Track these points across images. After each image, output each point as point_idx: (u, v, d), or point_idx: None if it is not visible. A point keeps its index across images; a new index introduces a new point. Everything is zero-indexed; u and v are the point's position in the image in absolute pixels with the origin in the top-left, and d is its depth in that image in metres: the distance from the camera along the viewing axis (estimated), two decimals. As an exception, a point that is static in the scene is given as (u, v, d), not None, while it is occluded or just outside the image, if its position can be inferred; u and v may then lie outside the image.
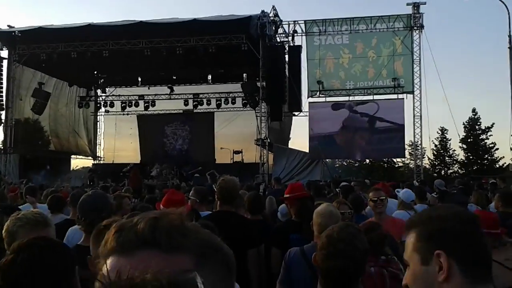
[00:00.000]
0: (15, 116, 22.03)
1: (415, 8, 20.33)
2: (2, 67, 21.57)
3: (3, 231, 2.18)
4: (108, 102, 27.59)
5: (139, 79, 26.39)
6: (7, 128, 21.78)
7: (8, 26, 21.95)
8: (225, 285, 0.73)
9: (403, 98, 20.51)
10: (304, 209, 4.11)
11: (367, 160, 27.25)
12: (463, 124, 30.33)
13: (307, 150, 20.92)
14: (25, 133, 22.76)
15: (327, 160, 21.28)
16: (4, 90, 21.45)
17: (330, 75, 20.85)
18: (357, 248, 2.13)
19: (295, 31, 20.99)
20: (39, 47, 20.41)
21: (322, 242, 2.21)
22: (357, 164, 32.17)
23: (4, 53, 21.94)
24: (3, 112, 21.62)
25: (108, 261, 0.70)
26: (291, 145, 23.80)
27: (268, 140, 20.54)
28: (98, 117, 28.95)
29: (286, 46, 20.80)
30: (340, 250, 2.10)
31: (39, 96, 22.73)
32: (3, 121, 21.76)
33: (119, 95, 27.54)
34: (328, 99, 21.07)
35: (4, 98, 21.43)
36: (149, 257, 0.68)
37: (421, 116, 20.44)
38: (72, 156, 27.43)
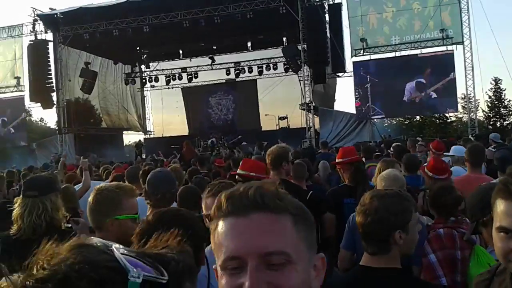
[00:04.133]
0: (66, 97, 22.76)
1: (459, -47, 19.00)
2: (49, 49, 22.22)
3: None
4: (153, 77, 28.02)
5: (181, 52, 26.54)
6: (60, 109, 22.61)
7: (50, 8, 22.43)
8: (312, 237, 0.90)
9: (452, 50, 19.49)
10: (357, 174, 4.05)
11: (418, 117, 26.34)
12: (519, 71, 28.53)
13: (353, 111, 20.49)
14: (77, 112, 23.48)
15: (375, 119, 20.77)
16: (52, 72, 22.19)
17: (374, 31, 20.04)
18: (378, 209, 2.00)
19: (334, -12, 20.21)
20: (81, 28, 20.77)
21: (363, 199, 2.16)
22: (407, 122, 31.22)
23: (49, 36, 22.57)
24: (54, 94, 22.40)
25: (225, 222, 0.85)
26: (337, 107, 23.42)
27: (313, 104, 20.25)
28: (144, 92, 29.64)
29: (326, 5, 20.10)
30: (365, 209, 2.00)
31: (86, 75, 23.39)
32: (55, 102, 22.63)
33: (162, 70, 27.91)
34: (373, 56, 20.34)
35: (53, 80, 22.18)
36: (261, 217, 0.84)
37: (472, 67, 19.48)
38: (124, 132, 28.23)
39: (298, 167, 4.33)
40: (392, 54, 20.23)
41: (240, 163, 3.77)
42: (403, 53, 20.11)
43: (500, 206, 1.35)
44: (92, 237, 0.69)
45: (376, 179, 3.57)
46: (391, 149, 6.62)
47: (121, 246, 0.66)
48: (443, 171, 3.92)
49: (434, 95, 19.34)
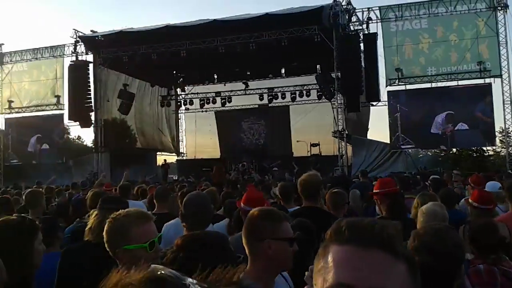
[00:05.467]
0: (103, 116, 23.43)
1: (498, -12, 18.86)
2: (89, 70, 22.93)
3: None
4: (188, 100, 28.56)
5: (215, 76, 27.02)
6: (97, 128, 23.19)
7: (91, 31, 23.12)
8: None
9: (490, 83, 19.12)
10: (395, 206, 3.97)
11: (454, 150, 25.71)
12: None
13: (387, 141, 20.22)
14: (113, 132, 24.08)
15: (410, 150, 20.41)
16: (92, 92, 22.91)
17: (410, 61, 19.92)
18: (444, 243, 2.02)
19: (369, 19, 20.25)
20: (121, 50, 21.43)
21: (412, 238, 2.15)
22: (443, 154, 30.48)
23: (89, 57, 23.28)
24: (93, 113, 23.06)
25: (343, 247, 0.85)
26: (370, 136, 23.18)
27: (346, 132, 20.12)
28: (179, 114, 30.23)
29: (361, 35, 20.16)
30: (425, 244, 2.00)
31: (124, 97, 24.07)
32: (93, 121, 23.32)
33: (197, 93, 28.45)
34: (408, 86, 20.16)
35: (92, 100, 22.88)
36: (383, 256, 0.83)
37: (511, 100, 18.99)
38: (158, 153, 28.71)
39: (337, 196, 4.26)
40: (428, 85, 20.02)
41: (244, 195, 3.63)
42: (439, 84, 19.88)
43: None
44: (164, 268, 0.69)
45: (414, 212, 3.52)
46: (429, 181, 6.49)
47: (194, 280, 0.66)
48: (489, 202, 3.82)
49: (466, 127, 18.93)
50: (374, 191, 4.15)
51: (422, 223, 2.93)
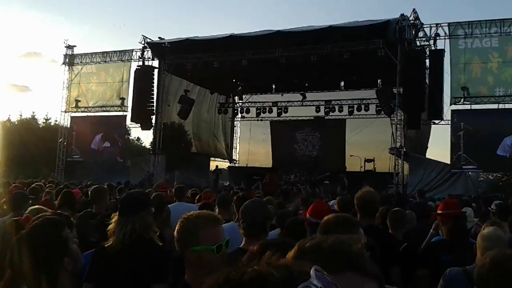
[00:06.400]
0: (163, 120, 24.12)
1: None
2: (154, 75, 23.79)
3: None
4: (245, 108, 28.93)
5: (273, 86, 27.18)
6: (157, 131, 23.93)
7: (159, 38, 23.91)
8: None
9: None
10: (457, 229, 3.82)
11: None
12: None
13: (447, 161, 19.42)
14: (171, 136, 24.69)
15: (470, 172, 19.49)
16: (154, 96, 23.73)
17: (477, 80, 19.07)
18: None
19: (437, 35, 19.63)
20: (185, 57, 22.02)
21: (486, 265, 2.03)
22: (504, 179, 28.84)
23: (155, 63, 24.13)
24: (153, 117, 23.88)
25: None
26: (429, 155, 22.35)
27: (404, 149, 19.54)
28: (235, 122, 30.63)
29: (427, 50, 19.58)
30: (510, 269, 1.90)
31: (185, 102, 24.74)
32: (153, 124, 24.11)
33: (254, 102, 28.74)
34: (474, 106, 19.31)
35: (154, 104, 23.72)
36: (355, 278, 0.83)
37: None
38: (211, 158, 29.24)
39: (397, 215, 4.15)
40: (495, 106, 19.07)
41: (311, 207, 3.56)
42: (507, 106, 18.88)
43: None
44: None
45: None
46: (493, 206, 6.16)
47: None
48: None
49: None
50: (438, 211, 4.01)
51: (484, 248, 2.78)
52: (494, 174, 27.64)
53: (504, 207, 5.73)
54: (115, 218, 2.87)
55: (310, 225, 3.25)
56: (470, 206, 8.74)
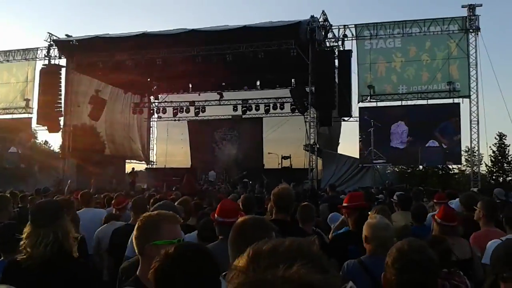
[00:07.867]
0: (72, 122, 22.89)
1: (471, 11, 19.54)
2: (61, 75, 22.47)
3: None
4: (161, 108, 28.35)
5: (190, 86, 26.91)
6: (65, 133, 22.65)
7: (66, 35, 22.68)
8: None
9: (459, 103, 19.74)
10: (363, 220, 4.01)
11: (420, 167, 26.33)
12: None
13: (356, 156, 20.53)
14: (82, 138, 23.51)
15: (378, 166, 20.77)
16: (62, 97, 22.41)
17: (382, 79, 20.38)
18: (431, 259, 2.06)
19: (345, 36, 20.66)
20: (95, 56, 21.05)
21: (393, 256, 2.14)
22: (409, 171, 31.15)
23: (63, 62, 22.83)
24: (62, 118, 22.55)
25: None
26: (340, 150, 23.49)
27: (317, 146, 20.32)
28: (151, 122, 29.86)
29: (336, 51, 20.52)
30: (416, 262, 2.02)
31: (95, 103, 23.65)
32: (61, 127, 22.75)
33: (171, 102, 28.23)
34: (379, 103, 20.62)
35: (62, 105, 22.39)
36: None
37: (478, 121, 19.60)
38: (127, 160, 28.25)
39: (306, 209, 4.28)
40: (398, 103, 20.48)
41: (218, 206, 3.52)
42: (410, 102, 20.36)
43: None
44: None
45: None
46: (395, 197, 6.59)
47: None
48: (453, 219, 3.91)
49: (436, 144, 19.41)
50: (344, 204, 4.17)
51: (379, 238, 2.97)
52: (400, 167, 29.74)
53: (405, 198, 6.15)
54: (28, 229, 2.67)
55: (218, 225, 3.23)
56: (377, 197, 9.32)
